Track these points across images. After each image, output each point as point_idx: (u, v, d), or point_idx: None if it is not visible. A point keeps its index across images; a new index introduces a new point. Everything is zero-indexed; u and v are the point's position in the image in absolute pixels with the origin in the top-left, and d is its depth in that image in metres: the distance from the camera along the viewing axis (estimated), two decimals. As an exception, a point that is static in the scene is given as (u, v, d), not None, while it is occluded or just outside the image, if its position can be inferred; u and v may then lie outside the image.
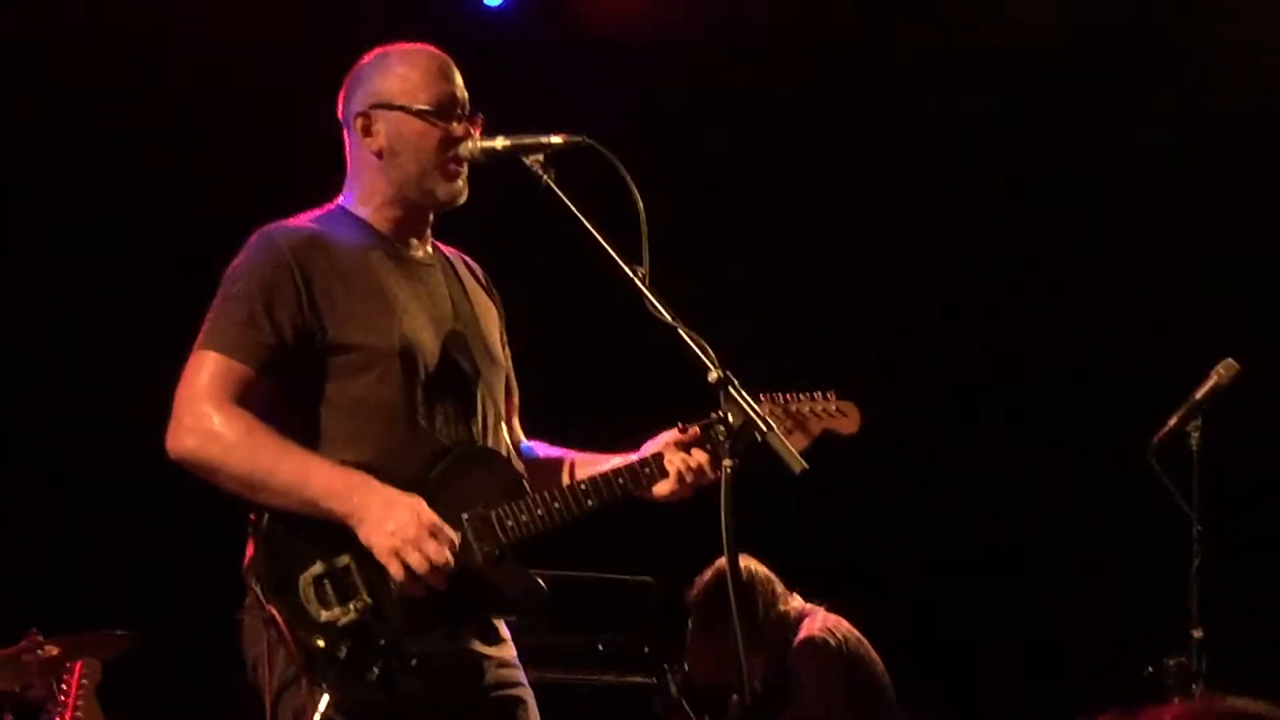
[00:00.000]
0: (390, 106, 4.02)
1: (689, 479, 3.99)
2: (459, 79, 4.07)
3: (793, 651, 6.23)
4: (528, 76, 6.75)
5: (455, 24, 7.15)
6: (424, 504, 3.79)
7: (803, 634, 6.22)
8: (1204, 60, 7.47)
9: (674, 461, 4.00)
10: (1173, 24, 7.52)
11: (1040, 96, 7.64)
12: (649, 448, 4.06)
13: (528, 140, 3.94)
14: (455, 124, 4.01)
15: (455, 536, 3.80)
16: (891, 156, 7.71)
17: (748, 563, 6.24)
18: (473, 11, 7.45)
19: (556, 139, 3.91)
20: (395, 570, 3.75)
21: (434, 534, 3.76)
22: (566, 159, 3.91)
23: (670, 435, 4.03)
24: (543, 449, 4.28)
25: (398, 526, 3.74)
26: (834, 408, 4.15)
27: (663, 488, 4.01)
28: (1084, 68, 7.63)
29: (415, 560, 3.74)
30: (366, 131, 4.04)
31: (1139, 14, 7.54)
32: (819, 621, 6.24)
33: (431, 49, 4.11)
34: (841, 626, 6.24)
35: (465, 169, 4.03)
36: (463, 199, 4.06)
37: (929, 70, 7.64)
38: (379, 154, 4.03)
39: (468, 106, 4.05)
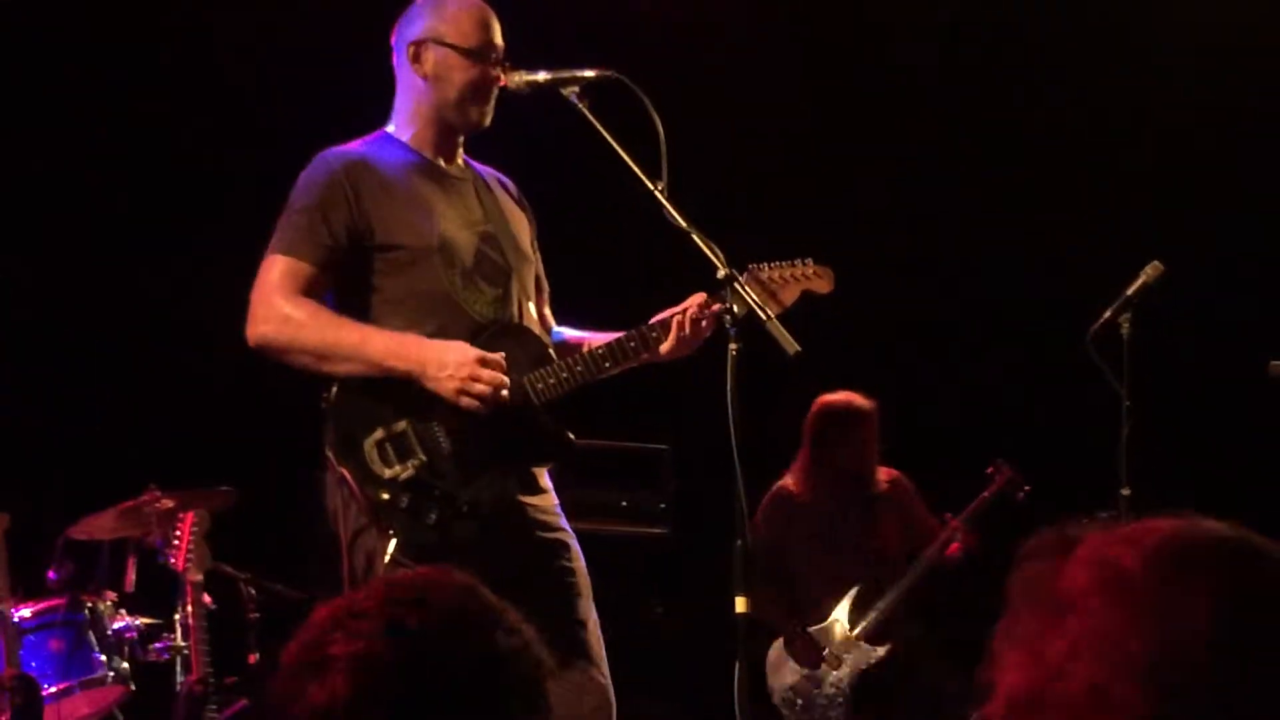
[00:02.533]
0: (441, 43, 4.05)
1: (686, 334, 4.00)
2: (498, 30, 4.09)
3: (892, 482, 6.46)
4: (566, 28, 6.69)
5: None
6: (469, 345, 3.85)
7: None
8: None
9: (674, 319, 4.02)
10: None
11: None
12: (656, 318, 4.08)
13: (565, 74, 3.97)
14: (491, 67, 4.04)
15: (502, 362, 3.85)
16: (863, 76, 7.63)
17: (857, 398, 6.37)
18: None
19: (590, 73, 3.96)
20: (465, 403, 3.82)
21: (484, 363, 3.83)
22: (599, 91, 3.94)
23: (673, 311, 4.04)
24: (569, 332, 4.32)
25: (455, 368, 3.81)
26: (811, 271, 4.16)
27: (665, 345, 4.02)
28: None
29: (479, 389, 3.81)
30: (416, 59, 4.07)
31: None
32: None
33: (479, 1, 4.12)
34: None
35: (493, 102, 4.07)
36: (487, 122, 4.10)
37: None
38: (425, 79, 4.06)
39: (502, 54, 4.07)
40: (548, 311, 4.33)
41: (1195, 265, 6.22)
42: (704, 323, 4.00)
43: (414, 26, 4.10)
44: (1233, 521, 1.47)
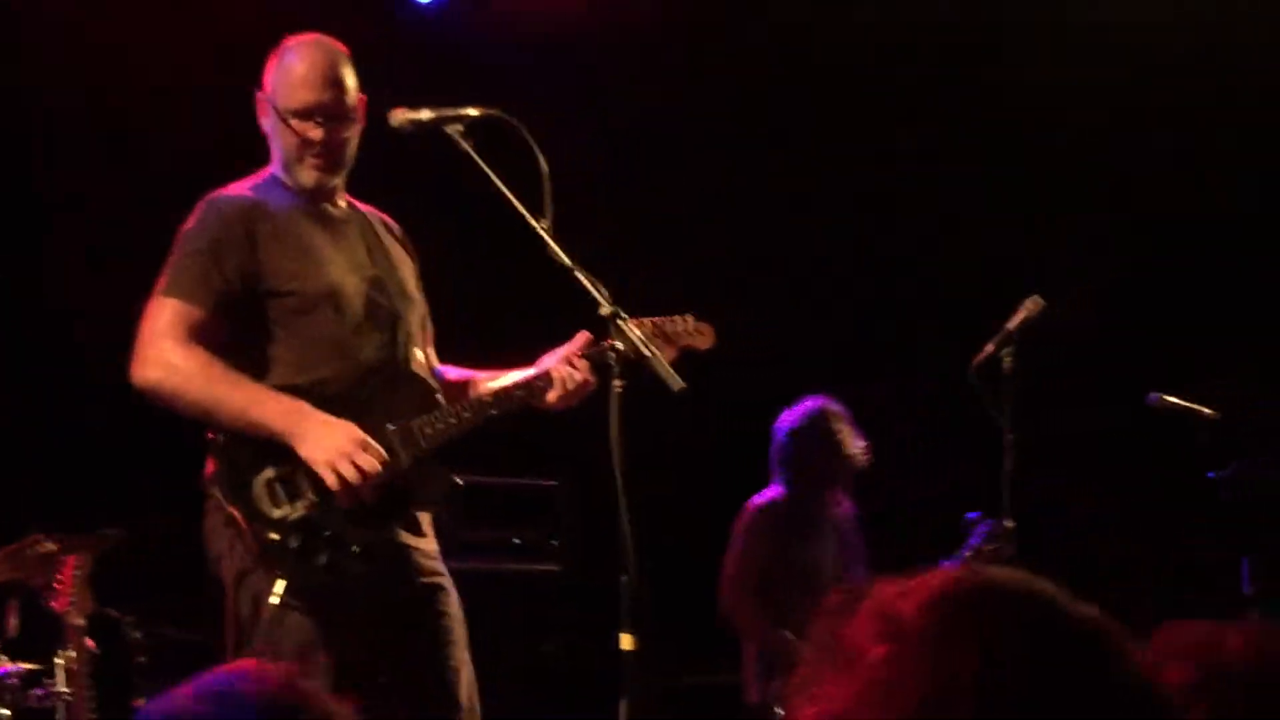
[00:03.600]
0: (271, 101, 4.03)
1: (571, 388, 4.01)
2: (334, 83, 4.01)
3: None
4: (456, 67, 6.67)
5: (386, 20, 7.06)
6: (355, 426, 3.81)
7: None
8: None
9: (559, 373, 4.02)
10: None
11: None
12: (544, 362, 4.08)
13: (449, 112, 3.96)
14: (310, 128, 3.99)
15: (383, 452, 3.82)
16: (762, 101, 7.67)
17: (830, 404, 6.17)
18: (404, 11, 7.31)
19: (474, 111, 3.96)
20: (331, 481, 3.77)
21: (365, 448, 3.79)
22: (483, 129, 3.94)
23: (560, 352, 4.05)
24: (453, 371, 4.30)
25: (334, 443, 3.78)
26: (692, 327, 4.19)
27: (551, 396, 4.03)
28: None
29: (349, 471, 3.77)
30: (262, 113, 4.07)
31: None
32: None
33: (323, 53, 4.05)
34: None
35: (321, 161, 4.02)
36: (314, 184, 4.03)
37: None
38: (268, 134, 4.07)
39: (340, 109, 4.01)
40: (432, 351, 4.30)
41: (1075, 299, 6.32)
42: (584, 377, 4.00)
43: (266, 79, 4.08)
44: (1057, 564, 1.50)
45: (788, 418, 6.20)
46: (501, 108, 3.94)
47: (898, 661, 1.40)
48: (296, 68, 4.02)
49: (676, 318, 4.17)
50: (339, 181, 4.13)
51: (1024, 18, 7.42)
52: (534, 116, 3.90)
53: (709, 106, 7.49)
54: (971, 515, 5.53)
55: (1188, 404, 5.69)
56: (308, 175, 4.04)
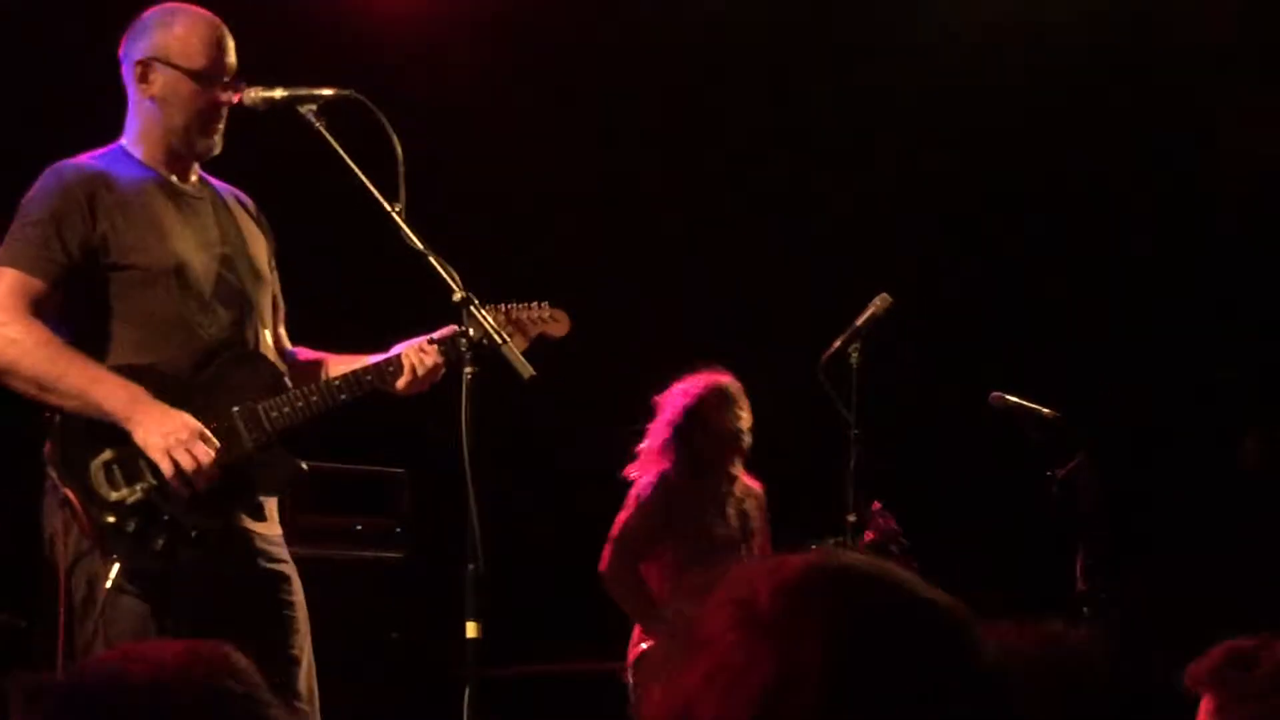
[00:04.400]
0: (167, 63, 3.91)
1: (421, 374, 3.95)
2: (231, 48, 3.96)
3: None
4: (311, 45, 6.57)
5: None
6: (192, 419, 3.74)
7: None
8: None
9: (409, 358, 3.97)
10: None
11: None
12: (395, 350, 4.03)
13: (303, 92, 3.91)
14: (220, 91, 3.92)
15: (218, 443, 3.75)
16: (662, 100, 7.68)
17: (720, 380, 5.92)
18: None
19: (328, 91, 3.92)
20: (166, 467, 3.69)
21: (202, 438, 3.72)
22: (336, 110, 3.89)
23: (416, 341, 4.01)
24: (304, 353, 4.23)
25: (171, 429, 3.70)
26: (548, 314, 4.17)
27: (401, 382, 3.98)
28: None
29: (184, 459, 3.69)
30: (144, 79, 3.94)
31: None
32: None
33: (211, 16, 3.99)
34: None
35: (222, 126, 3.96)
36: (216, 151, 3.99)
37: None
38: (152, 100, 3.94)
39: (235, 74, 3.96)
40: (283, 331, 4.23)
41: (921, 297, 6.40)
42: (434, 362, 3.95)
43: (141, 42, 3.95)
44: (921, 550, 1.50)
45: (679, 391, 5.95)
46: (355, 88, 3.89)
47: (745, 647, 1.38)
48: (199, 30, 3.93)
49: (532, 304, 4.15)
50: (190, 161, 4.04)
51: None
52: (388, 97, 3.85)
53: (568, 87, 7.46)
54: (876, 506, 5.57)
55: (1028, 403, 5.78)
56: (206, 143, 3.95)
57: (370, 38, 7.00)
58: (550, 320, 4.16)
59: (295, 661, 3.89)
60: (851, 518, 5.25)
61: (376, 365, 3.99)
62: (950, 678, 1.38)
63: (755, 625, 1.39)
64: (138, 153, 3.97)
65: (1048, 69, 7.45)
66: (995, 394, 5.77)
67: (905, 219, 7.66)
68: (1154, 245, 7.61)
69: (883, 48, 7.47)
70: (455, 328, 3.93)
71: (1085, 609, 5.46)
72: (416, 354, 3.96)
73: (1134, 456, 7.24)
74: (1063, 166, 7.56)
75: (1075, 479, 5.86)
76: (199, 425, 3.73)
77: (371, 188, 3.78)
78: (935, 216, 7.68)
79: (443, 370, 3.98)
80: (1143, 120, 7.54)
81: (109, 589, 3.62)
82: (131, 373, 3.77)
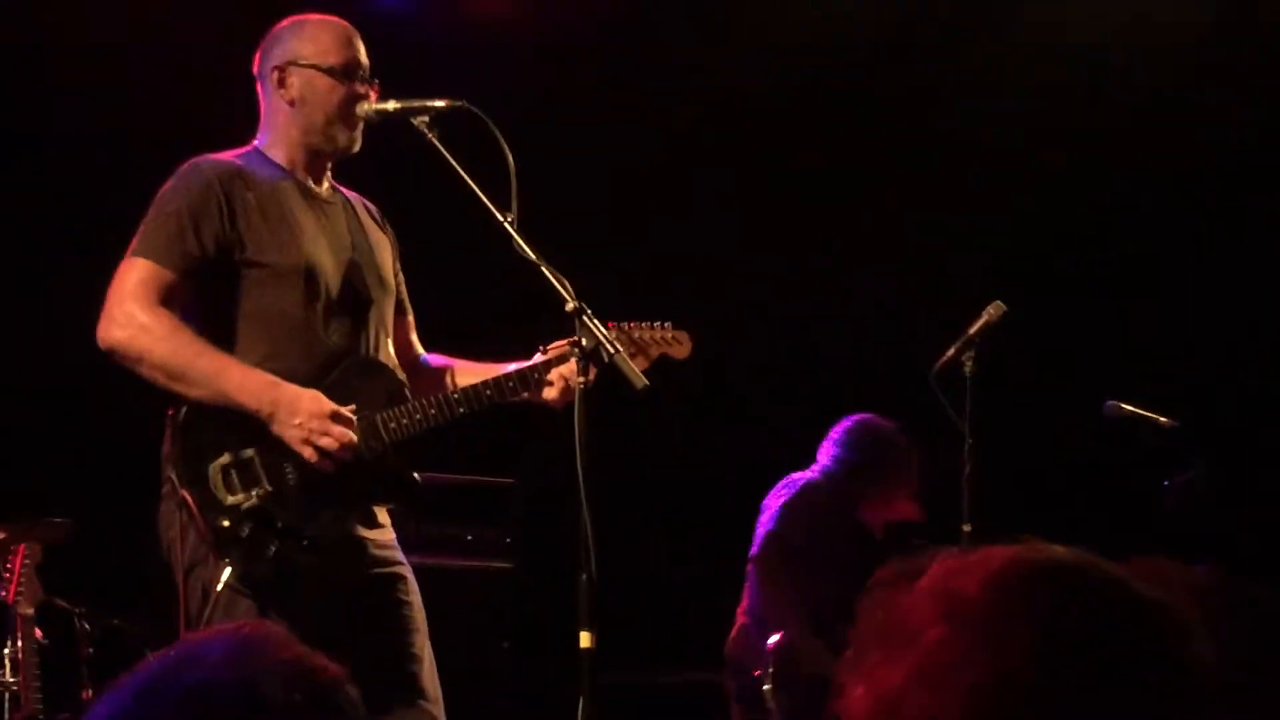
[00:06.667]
0: (304, 65, 3.97)
1: (571, 384, 3.83)
2: (362, 47, 4.03)
3: None
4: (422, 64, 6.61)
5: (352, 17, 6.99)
6: (323, 396, 3.77)
7: None
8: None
9: (560, 370, 3.94)
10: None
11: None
12: (511, 367, 4.00)
13: (415, 104, 3.93)
14: (358, 84, 3.98)
15: (353, 418, 3.78)
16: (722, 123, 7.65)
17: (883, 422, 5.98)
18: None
19: (440, 103, 3.92)
20: (309, 454, 3.74)
21: (336, 418, 3.75)
22: (448, 121, 3.90)
23: (553, 351, 3.97)
24: (436, 359, 4.25)
25: (304, 418, 3.73)
26: (670, 335, 4.14)
27: (553, 393, 3.96)
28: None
29: (325, 442, 3.74)
30: (281, 84, 3.99)
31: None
32: None
33: (341, 20, 4.07)
34: None
35: (362, 123, 4.00)
36: (357, 147, 4.03)
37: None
38: (291, 103, 3.98)
39: (369, 72, 4.01)
40: (414, 338, 4.27)
41: (1036, 305, 6.31)
42: (572, 372, 3.87)
43: (275, 50, 4.02)
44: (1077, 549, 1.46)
45: (876, 423, 5.99)
46: (469, 100, 3.90)
47: (956, 642, 1.36)
48: (330, 29, 4.01)
49: (655, 324, 4.12)
50: (330, 162, 4.08)
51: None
52: (503, 110, 3.85)
53: (685, 108, 7.44)
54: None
55: (1144, 412, 5.70)
56: (348, 136, 3.99)
57: (484, 49, 7.03)
58: (673, 341, 4.14)
59: (417, 660, 3.89)
60: (967, 528, 5.17)
61: (497, 380, 3.98)
62: (1164, 671, 1.35)
63: (965, 620, 1.36)
64: (274, 155, 4.01)
65: (1168, 68, 7.32)
66: (1111, 402, 5.69)
67: (1020, 225, 7.56)
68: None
69: (992, 48, 7.38)
70: (566, 341, 3.90)
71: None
72: (569, 367, 3.90)
73: (1251, 466, 7.10)
74: (1183, 171, 7.41)
75: (1191, 488, 5.76)
76: (332, 404, 3.76)
77: (485, 198, 3.78)
78: (1050, 222, 7.56)
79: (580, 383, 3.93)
80: (1268, 123, 7.38)
81: (221, 592, 3.64)
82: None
